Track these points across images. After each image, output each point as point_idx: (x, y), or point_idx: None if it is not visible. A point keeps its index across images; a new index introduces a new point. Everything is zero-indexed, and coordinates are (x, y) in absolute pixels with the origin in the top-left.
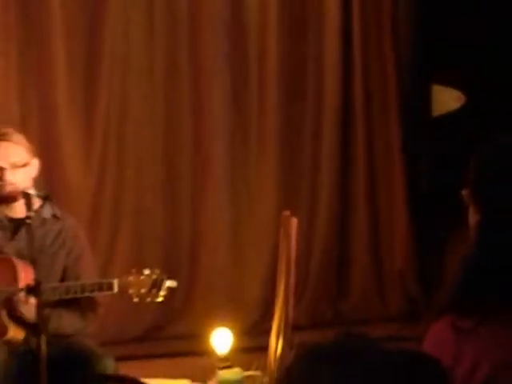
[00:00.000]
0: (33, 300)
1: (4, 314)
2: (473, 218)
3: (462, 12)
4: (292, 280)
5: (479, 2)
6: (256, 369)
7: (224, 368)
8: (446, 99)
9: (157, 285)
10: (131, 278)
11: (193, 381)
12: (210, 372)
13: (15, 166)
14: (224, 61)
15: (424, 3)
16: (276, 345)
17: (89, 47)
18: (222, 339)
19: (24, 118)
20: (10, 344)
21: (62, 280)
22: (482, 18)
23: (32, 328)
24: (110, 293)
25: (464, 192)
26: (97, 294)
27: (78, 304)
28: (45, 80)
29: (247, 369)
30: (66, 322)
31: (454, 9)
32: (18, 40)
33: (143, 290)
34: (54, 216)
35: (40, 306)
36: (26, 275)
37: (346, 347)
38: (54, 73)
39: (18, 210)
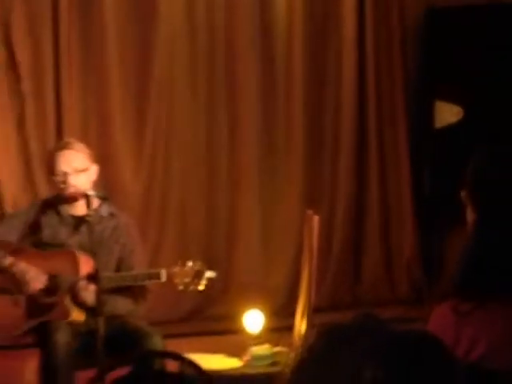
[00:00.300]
0: (92, 287)
1: (68, 299)
2: (470, 216)
3: (460, 41)
4: (314, 269)
5: (474, 34)
6: (283, 346)
7: (256, 345)
8: (447, 113)
9: (199, 275)
10: (176, 269)
11: (229, 356)
12: (243, 348)
13: (77, 171)
14: (255, 81)
15: (428, 33)
16: (300, 325)
17: (140, 68)
18: (254, 320)
19: (84, 128)
20: (72, 325)
21: (117, 270)
22: (477, 48)
23: (91, 311)
24: (158, 281)
25: (462, 193)
26: (147, 283)
27: (131, 290)
28: (101, 97)
29: (276, 345)
30: (121, 306)
31: (453, 38)
32: (79, 63)
33: (187, 280)
34: (111, 214)
35: (99, 292)
36: (86, 266)
37: (362, 328)
38: (110, 91)
39: (79, 208)
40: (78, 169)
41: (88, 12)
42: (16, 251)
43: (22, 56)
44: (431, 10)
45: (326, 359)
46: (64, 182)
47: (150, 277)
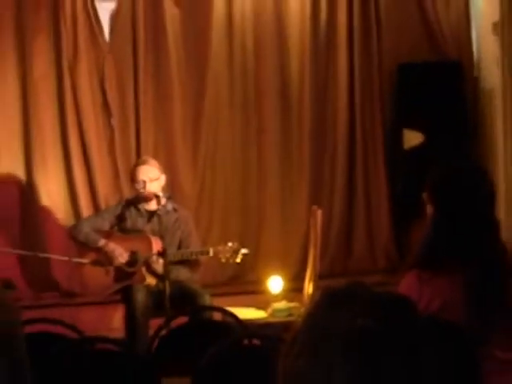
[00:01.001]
0: (161, 260)
1: (143, 269)
2: (429, 210)
3: (420, 87)
4: (318, 248)
5: (430, 81)
6: (296, 302)
7: (276, 301)
8: (412, 139)
9: (236, 252)
10: (220, 248)
11: (257, 309)
12: (268, 304)
13: (151, 180)
14: (277, 117)
15: (398, 82)
16: (308, 287)
17: (195, 106)
18: (275, 283)
19: (156, 149)
20: (147, 287)
21: (179, 248)
22: (433, 91)
23: (160, 277)
24: (207, 256)
25: (424, 194)
26: (199, 257)
27: (188, 263)
28: (168, 127)
29: (291, 302)
30: (181, 274)
31: (416, 85)
32: (152, 104)
33: (228, 255)
34: (174, 209)
35: (165, 264)
36: (157, 246)
37: (352, 290)
38: (173, 123)
39: (152, 205)
40: (152, 178)
41: (159, 65)
42: (107, 235)
43: (112, 98)
44: (400, 66)
45: (326, 313)
46: (143, 188)
47: (202, 253)
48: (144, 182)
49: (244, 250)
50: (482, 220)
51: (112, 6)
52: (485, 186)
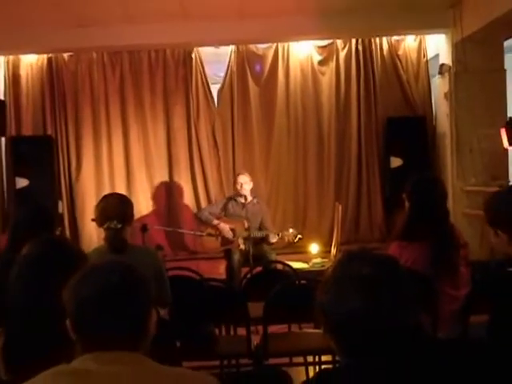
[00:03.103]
0: (247, 234)
1: (240, 238)
2: (406, 204)
3: (399, 130)
4: (339, 227)
5: (406, 133)
6: (327, 259)
7: (315, 258)
8: (395, 162)
9: (295, 236)
10: (286, 232)
11: (303, 262)
12: (310, 259)
13: (245, 183)
14: (314, 150)
15: (387, 128)
16: (334, 250)
17: (266, 138)
18: (314, 247)
19: (244, 165)
20: (240, 250)
21: (259, 229)
22: (409, 133)
23: (247, 245)
24: (277, 238)
25: (403, 195)
26: (271, 237)
27: (263, 239)
28: (251, 153)
29: (323, 258)
30: (258, 245)
31: (396, 134)
32: (241, 139)
33: (290, 237)
34: (258, 203)
35: (249, 237)
36: (246, 226)
37: (360, 251)
38: (254, 149)
39: (244, 199)
40: (246, 182)
41: (246, 121)
42: (218, 218)
43: (219, 140)
44: (388, 119)
45: (345, 265)
46: (240, 187)
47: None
48: (241, 184)
49: (299, 236)
50: (438, 210)
51: (218, 86)
52: (439, 189)
